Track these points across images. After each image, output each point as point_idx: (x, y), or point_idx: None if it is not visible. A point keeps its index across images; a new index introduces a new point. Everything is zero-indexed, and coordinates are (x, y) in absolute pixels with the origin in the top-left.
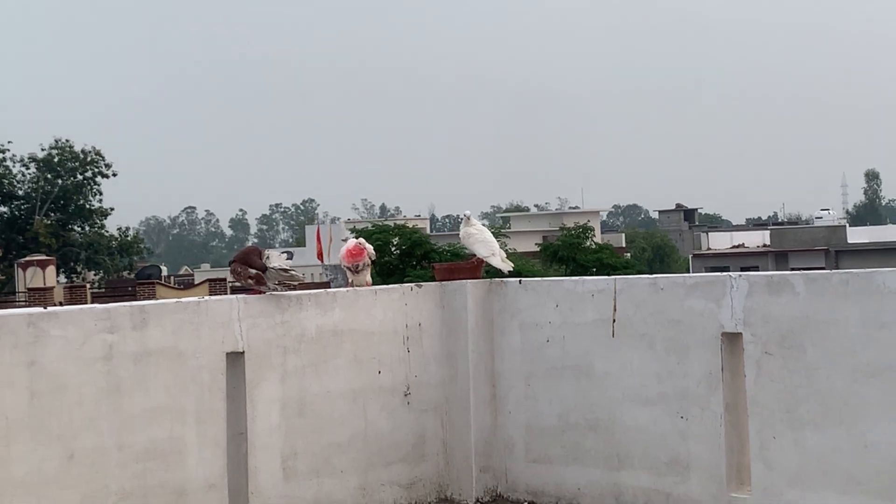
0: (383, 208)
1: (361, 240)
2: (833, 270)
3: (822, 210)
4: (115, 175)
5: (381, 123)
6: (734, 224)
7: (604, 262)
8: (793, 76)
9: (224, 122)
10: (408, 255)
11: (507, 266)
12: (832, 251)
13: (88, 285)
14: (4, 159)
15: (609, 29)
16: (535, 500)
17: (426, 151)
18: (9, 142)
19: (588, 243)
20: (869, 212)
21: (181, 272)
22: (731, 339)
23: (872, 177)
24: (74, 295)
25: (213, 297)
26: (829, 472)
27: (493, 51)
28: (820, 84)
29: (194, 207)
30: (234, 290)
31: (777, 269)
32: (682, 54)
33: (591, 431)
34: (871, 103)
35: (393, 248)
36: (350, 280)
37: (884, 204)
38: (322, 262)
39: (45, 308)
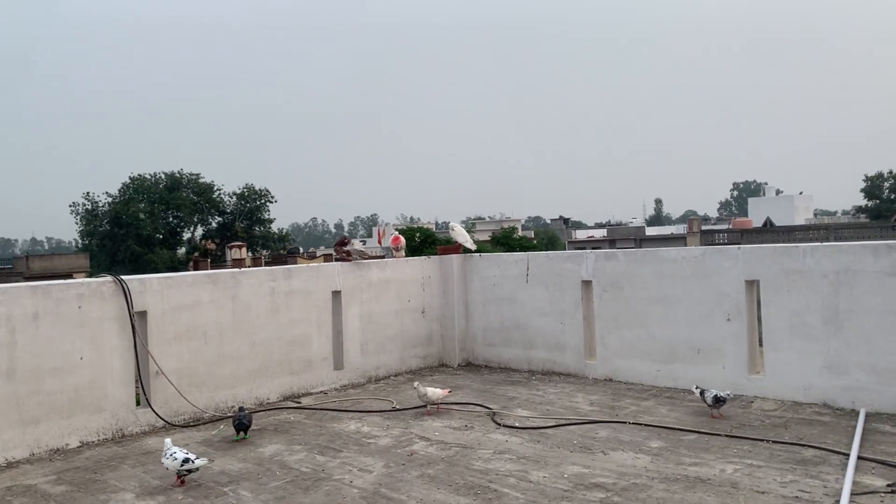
0: (412, 218)
1: (399, 235)
2: (637, 249)
3: (632, 218)
4: (276, 201)
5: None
6: (589, 225)
7: (523, 245)
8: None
9: (332, 166)
10: (423, 242)
11: (473, 247)
12: (638, 239)
13: (263, 258)
14: (220, 193)
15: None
16: (488, 365)
17: (435, 187)
18: (222, 184)
19: (515, 235)
20: (656, 220)
21: (310, 251)
22: (587, 284)
23: (658, 202)
24: (256, 262)
25: (325, 263)
26: (635, 350)
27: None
28: (631, 137)
29: (316, 217)
30: (336, 260)
31: (610, 249)
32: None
33: (515, 330)
34: (656, 157)
35: (417, 238)
36: (394, 255)
37: (664, 215)
38: (381, 245)
39: (240, 269)
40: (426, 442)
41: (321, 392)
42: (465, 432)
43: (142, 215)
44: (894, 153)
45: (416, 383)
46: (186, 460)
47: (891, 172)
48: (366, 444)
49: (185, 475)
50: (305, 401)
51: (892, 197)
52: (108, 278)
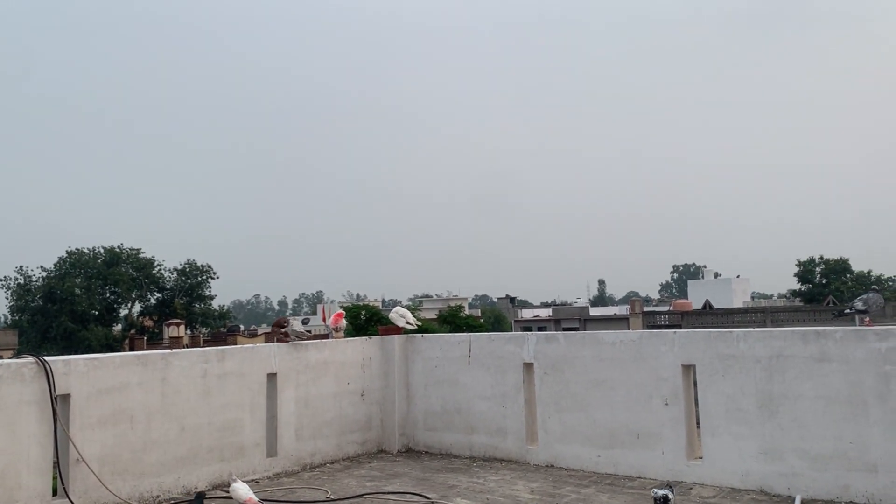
0: (358, 295)
1: (342, 312)
2: (578, 331)
3: (577, 298)
4: (218, 277)
5: (356, 244)
6: (535, 304)
7: (469, 324)
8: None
9: (277, 242)
10: (369, 320)
11: (414, 327)
12: (582, 319)
13: (201, 336)
14: (161, 268)
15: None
16: (429, 451)
17: (382, 265)
18: (163, 259)
19: (462, 314)
20: (599, 300)
21: (251, 328)
22: (528, 366)
23: (602, 282)
24: (194, 342)
25: (261, 345)
26: (576, 435)
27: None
28: (578, 219)
29: (259, 294)
30: (277, 340)
31: (556, 330)
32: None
33: (457, 414)
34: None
35: (362, 316)
36: (333, 335)
37: (608, 296)
38: (325, 323)
39: (171, 349)
40: None
41: (253, 480)
42: None
43: (77, 290)
44: (823, 239)
45: (231, 474)
46: None
47: (821, 258)
48: None
49: None
50: None
51: (824, 281)
52: (30, 359)
